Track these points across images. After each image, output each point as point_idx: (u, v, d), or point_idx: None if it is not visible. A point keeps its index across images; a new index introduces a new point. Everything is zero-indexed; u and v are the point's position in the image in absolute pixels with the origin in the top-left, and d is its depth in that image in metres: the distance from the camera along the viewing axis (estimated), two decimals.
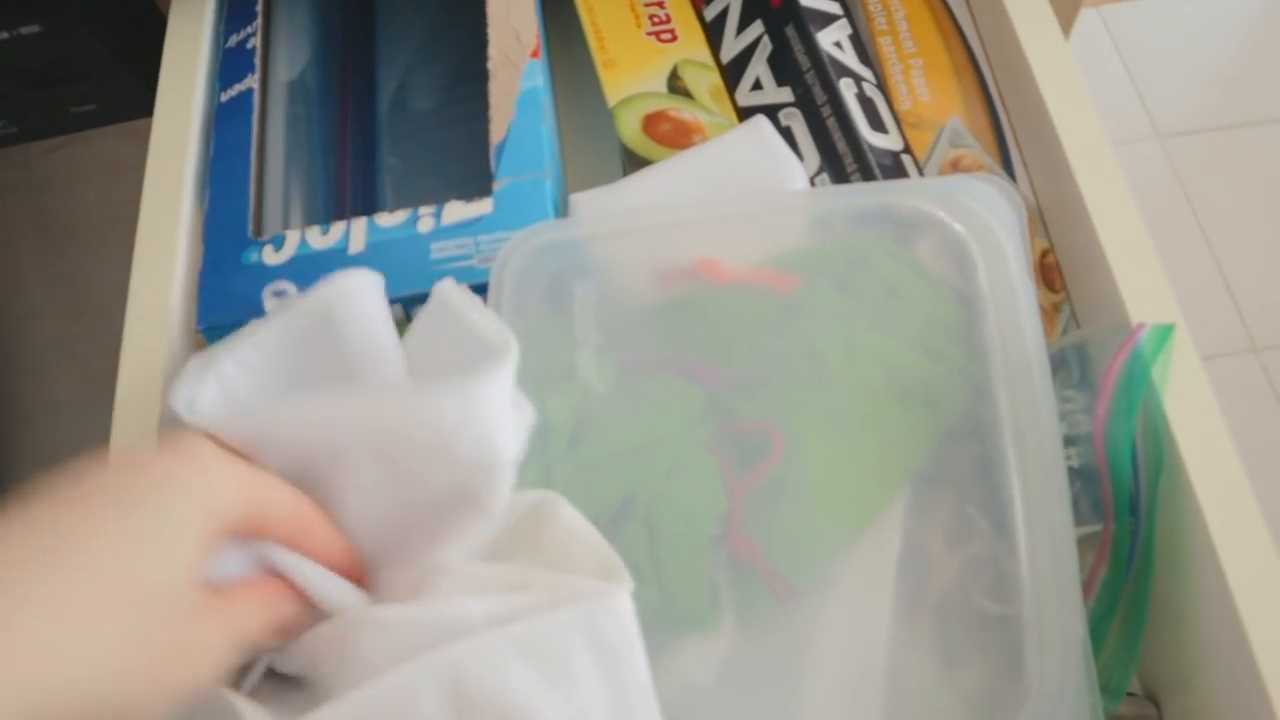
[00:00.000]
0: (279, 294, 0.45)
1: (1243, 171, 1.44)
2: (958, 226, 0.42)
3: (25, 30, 0.56)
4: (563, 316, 0.43)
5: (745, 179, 0.47)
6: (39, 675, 0.28)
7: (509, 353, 0.37)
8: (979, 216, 0.42)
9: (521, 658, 0.34)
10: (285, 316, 0.40)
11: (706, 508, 0.41)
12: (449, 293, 0.40)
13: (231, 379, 0.39)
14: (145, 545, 0.31)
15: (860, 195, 0.44)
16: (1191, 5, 1.57)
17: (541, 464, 0.41)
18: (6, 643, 0.27)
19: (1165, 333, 0.41)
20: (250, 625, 0.34)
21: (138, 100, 0.58)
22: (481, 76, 0.50)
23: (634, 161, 0.51)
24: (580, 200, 0.48)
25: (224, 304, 0.46)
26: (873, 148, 0.47)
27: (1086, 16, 1.57)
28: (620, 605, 0.35)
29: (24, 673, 0.27)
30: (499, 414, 0.36)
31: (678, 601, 0.41)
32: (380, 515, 0.37)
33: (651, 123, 0.52)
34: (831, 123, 0.48)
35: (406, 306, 0.45)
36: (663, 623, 0.41)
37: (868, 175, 0.46)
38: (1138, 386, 0.41)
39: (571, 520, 0.37)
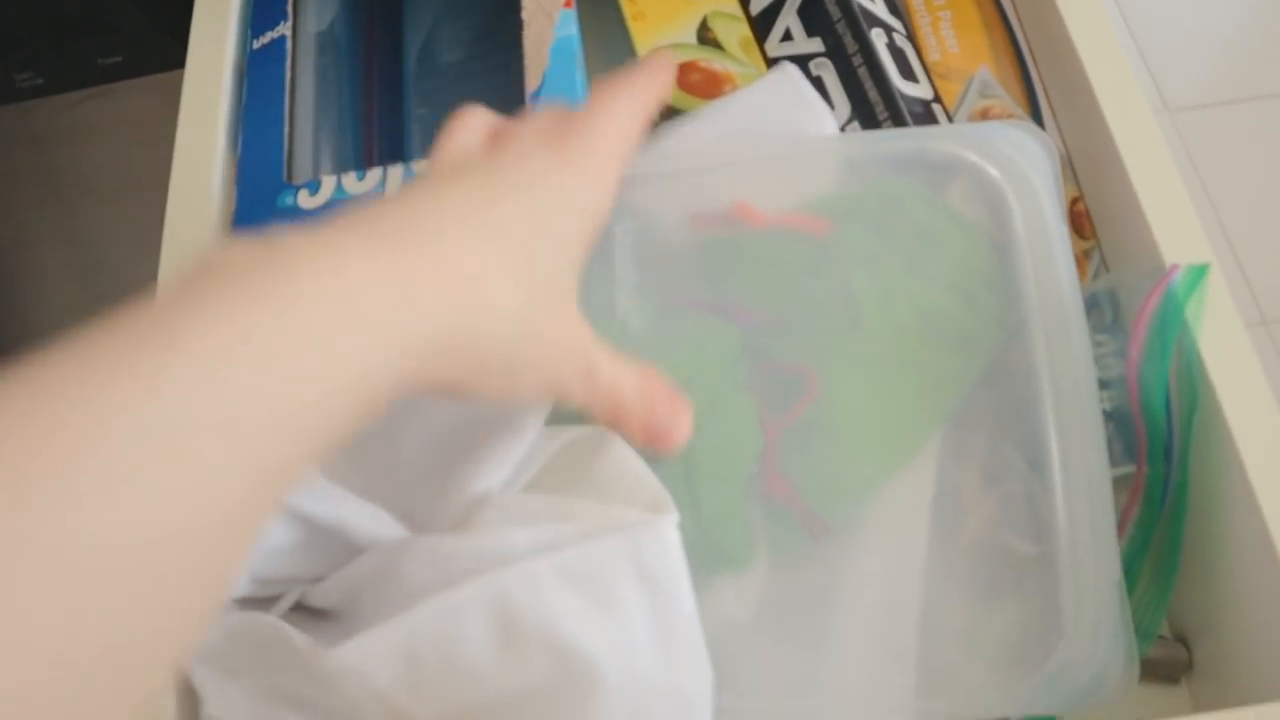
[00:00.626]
0: None
1: (1252, 145, 1.44)
2: (992, 171, 0.42)
3: None
4: (602, 255, 0.43)
5: (776, 126, 0.47)
6: (462, 308, 0.29)
7: None
8: (1013, 161, 0.42)
9: (567, 584, 0.34)
10: None
11: (743, 446, 0.41)
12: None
13: None
14: (553, 220, 0.33)
15: (894, 140, 0.44)
16: None
17: None
18: (442, 268, 0.29)
19: (1199, 273, 0.41)
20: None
21: (165, 53, 0.58)
22: (506, 30, 0.50)
23: (664, 111, 0.51)
24: None
25: None
26: (904, 96, 0.47)
27: None
28: (666, 534, 0.35)
29: (453, 298, 0.29)
30: None
31: (714, 538, 0.41)
32: (436, 438, 0.38)
33: (682, 73, 0.52)
34: (863, 72, 0.48)
35: None
36: (699, 559, 0.41)
37: (899, 123, 0.46)
38: (1171, 327, 0.41)
39: (621, 454, 0.37)
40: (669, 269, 0.43)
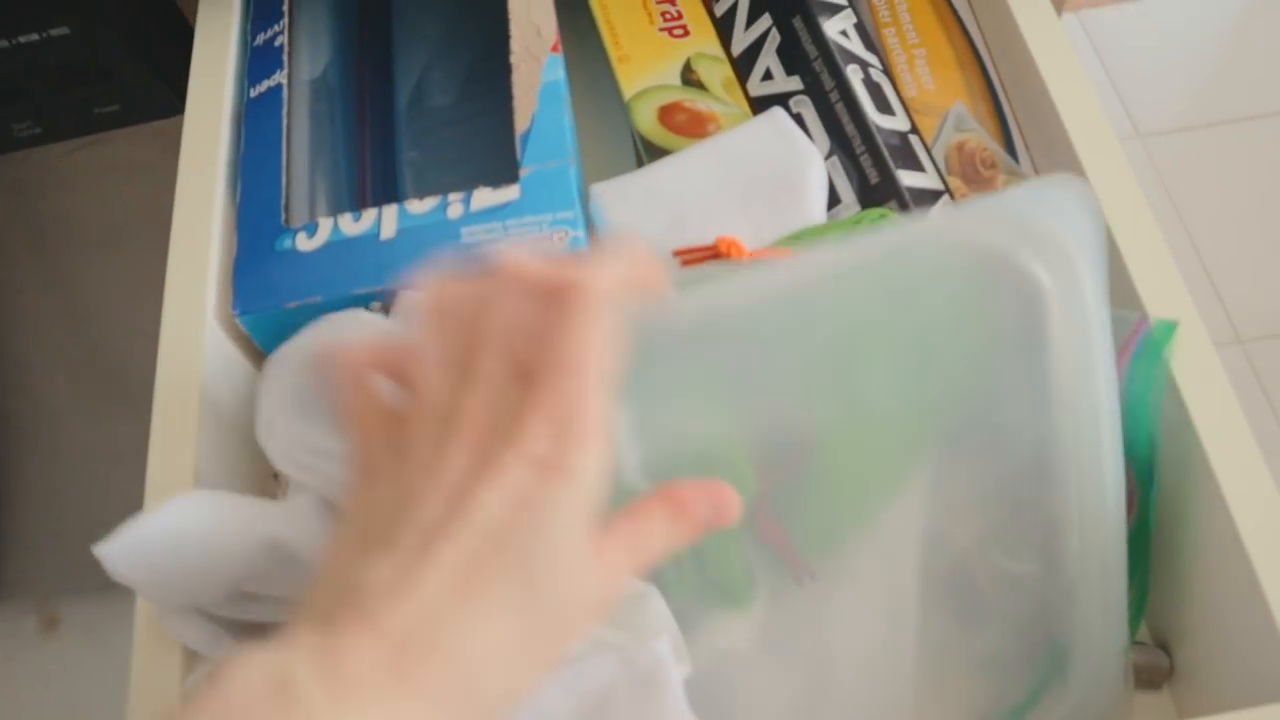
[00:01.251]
0: None
1: (1223, 167, 1.47)
2: (1034, 267, 0.39)
3: (54, 32, 0.57)
4: None
5: (763, 169, 0.49)
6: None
7: None
8: (1056, 245, 0.39)
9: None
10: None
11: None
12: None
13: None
14: (549, 561, 0.28)
15: (930, 234, 0.41)
16: (1167, 8, 1.60)
17: None
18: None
19: (1167, 330, 0.42)
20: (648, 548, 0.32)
21: (161, 102, 0.60)
22: (495, 74, 0.52)
23: (651, 151, 0.53)
24: (600, 190, 0.50)
25: (260, 290, 0.47)
26: (880, 129, 0.49)
27: (1065, 21, 1.59)
28: (660, 650, 0.36)
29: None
30: None
31: (716, 580, 0.42)
32: None
33: (667, 113, 0.54)
34: (840, 107, 0.50)
35: None
36: (702, 599, 0.42)
37: (877, 156, 0.48)
38: (1148, 375, 0.42)
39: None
40: (672, 384, 0.42)
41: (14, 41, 0.59)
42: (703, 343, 0.41)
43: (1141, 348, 0.41)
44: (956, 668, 0.43)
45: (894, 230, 0.45)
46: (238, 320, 0.47)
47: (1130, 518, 0.44)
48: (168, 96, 0.59)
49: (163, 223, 0.54)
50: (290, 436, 0.41)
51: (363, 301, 0.47)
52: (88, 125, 0.63)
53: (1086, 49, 1.59)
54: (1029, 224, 0.39)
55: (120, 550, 0.38)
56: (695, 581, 0.42)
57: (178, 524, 0.38)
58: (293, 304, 0.47)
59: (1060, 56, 0.50)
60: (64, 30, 0.57)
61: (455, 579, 0.27)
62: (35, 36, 0.58)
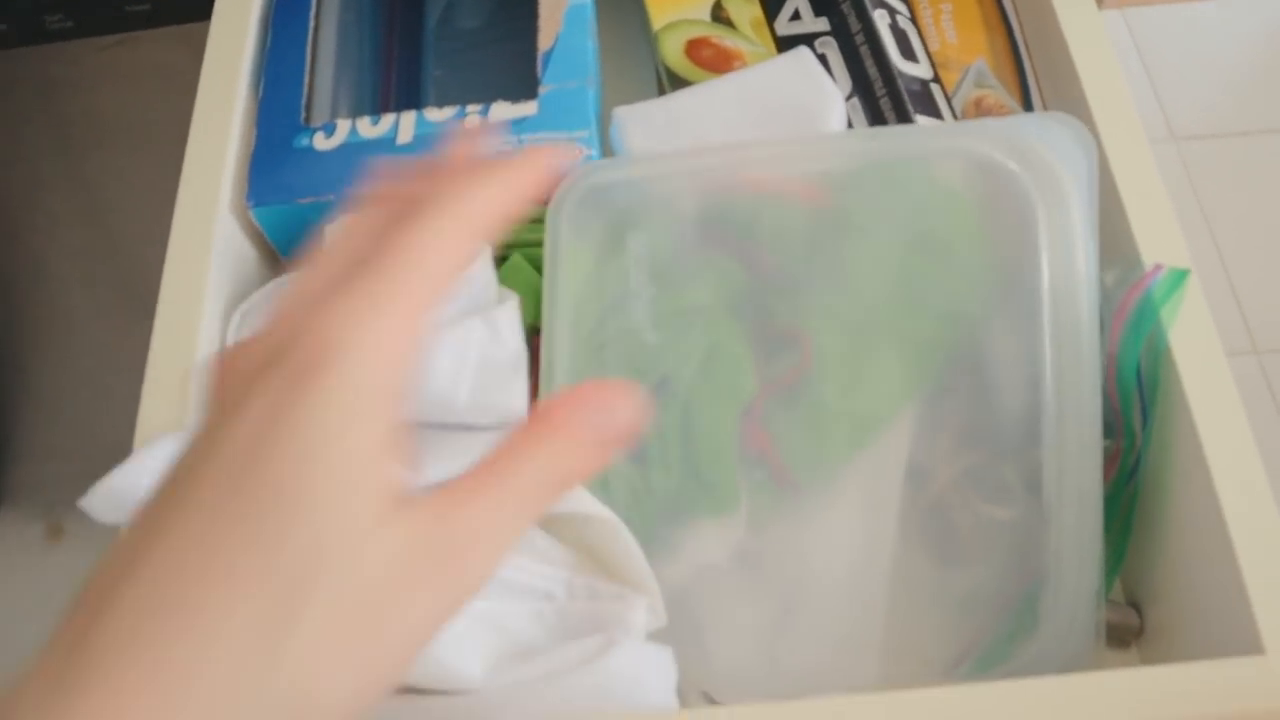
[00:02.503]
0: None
1: (1255, 177, 1.46)
2: (1016, 168, 0.42)
3: None
4: (618, 268, 0.45)
5: (786, 104, 0.49)
6: None
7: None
8: (1042, 159, 0.42)
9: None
10: None
11: (736, 393, 0.43)
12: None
13: None
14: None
15: (926, 137, 0.44)
16: (1213, 10, 1.58)
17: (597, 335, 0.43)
18: None
19: (1179, 277, 0.43)
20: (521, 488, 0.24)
21: (191, 3, 0.60)
22: (525, 1, 0.52)
23: (675, 83, 0.53)
24: (623, 113, 0.50)
25: (274, 184, 0.48)
26: (903, 74, 0.49)
27: (1109, 17, 1.58)
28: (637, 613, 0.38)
29: None
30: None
31: (705, 479, 0.43)
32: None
33: (694, 47, 0.54)
34: (865, 50, 0.50)
35: None
36: (688, 502, 0.43)
37: (896, 100, 0.48)
38: (1146, 321, 0.43)
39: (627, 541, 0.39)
40: (681, 264, 0.45)
41: None
42: (721, 227, 0.42)
43: (1145, 297, 0.41)
44: (929, 606, 0.43)
45: (899, 134, 0.46)
46: (251, 213, 0.48)
47: (1113, 471, 0.44)
48: None
49: (187, 128, 0.54)
50: None
51: None
52: (119, 23, 0.63)
53: (1129, 46, 1.57)
54: (1021, 142, 0.41)
55: (103, 498, 0.38)
56: (684, 482, 0.42)
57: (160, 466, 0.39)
58: (306, 200, 0.47)
59: (1086, 22, 0.49)
60: None
61: (189, 546, 0.21)
62: None
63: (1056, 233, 0.42)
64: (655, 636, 0.40)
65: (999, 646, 0.43)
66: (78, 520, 1.38)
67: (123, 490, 0.38)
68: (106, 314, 0.91)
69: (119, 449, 0.42)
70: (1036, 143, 0.42)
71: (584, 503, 0.40)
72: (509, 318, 0.42)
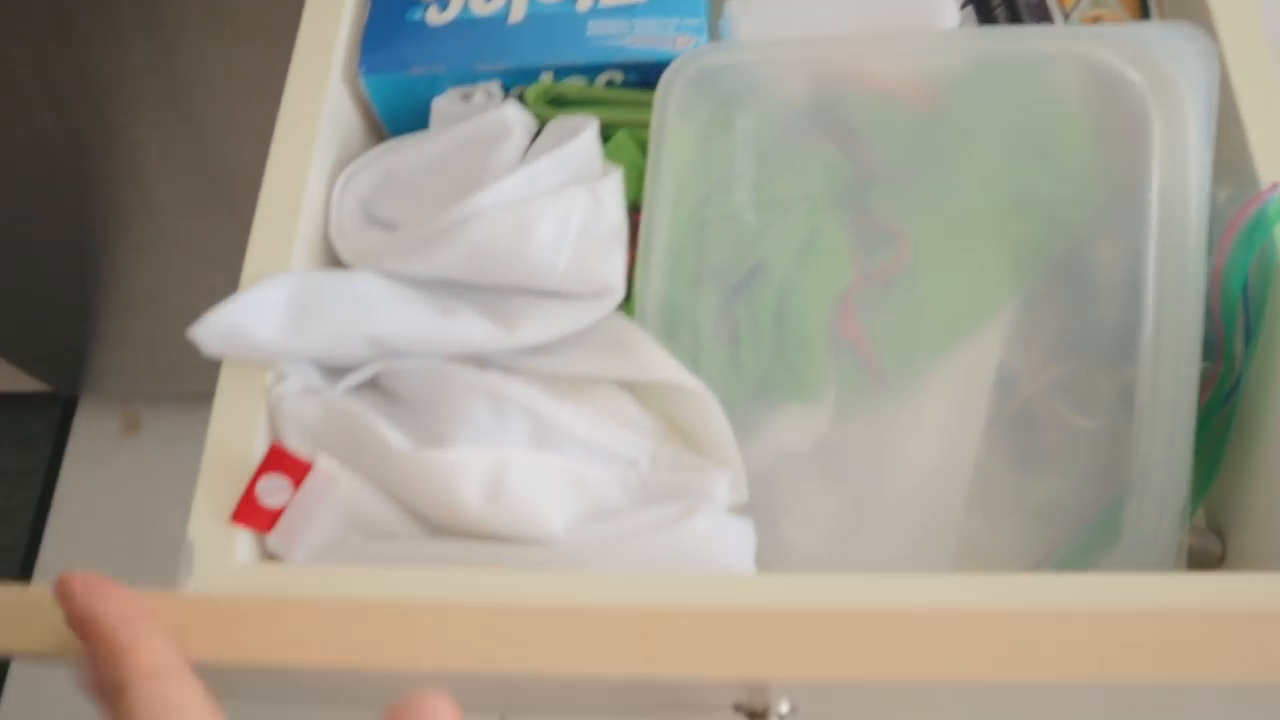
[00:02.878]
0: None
1: None
2: (1137, 80, 0.41)
3: None
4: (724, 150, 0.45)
5: (900, 5, 0.49)
6: None
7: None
8: (1161, 68, 0.41)
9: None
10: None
11: (832, 281, 0.43)
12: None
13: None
14: None
15: (1042, 39, 0.43)
16: None
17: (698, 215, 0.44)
18: None
19: None
20: None
21: None
22: None
23: None
24: (736, 5, 0.50)
25: (387, 54, 0.48)
26: None
27: None
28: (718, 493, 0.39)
29: None
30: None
31: (793, 364, 0.43)
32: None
33: None
34: None
35: (558, 75, 0.47)
36: (776, 386, 0.43)
37: (1012, 8, 0.47)
38: (1259, 238, 0.42)
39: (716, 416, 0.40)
40: (786, 151, 0.45)
41: None
42: (828, 117, 0.42)
43: (1258, 214, 0.40)
44: (1007, 513, 0.43)
45: (1014, 34, 0.46)
46: (362, 81, 0.49)
47: (1208, 393, 0.43)
48: None
49: (275, 13, 0.54)
50: (357, 238, 0.45)
51: (484, 78, 0.48)
52: None
53: None
54: (1143, 50, 0.41)
55: (212, 329, 0.40)
56: (773, 365, 0.42)
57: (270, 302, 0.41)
58: (417, 70, 0.48)
59: None
60: None
61: None
62: None
63: (1171, 144, 0.41)
64: (733, 513, 0.40)
65: (1075, 557, 0.43)
66: (155, 415, 1.40)
67: (231, 323, 0.39)
68: (195, 205, 0.93)
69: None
70: (1155, 50, 0.41)
71: (674, 372, 0.40)
72: (613, 189, 0.43)
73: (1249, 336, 0.42)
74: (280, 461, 0.38)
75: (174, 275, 1.03)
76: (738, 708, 0.39)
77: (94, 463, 1.29)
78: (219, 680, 0.33)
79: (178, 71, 0.81)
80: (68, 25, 0.77)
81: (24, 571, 1.23)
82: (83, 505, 1.26)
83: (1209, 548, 0.44)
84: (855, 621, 0.30)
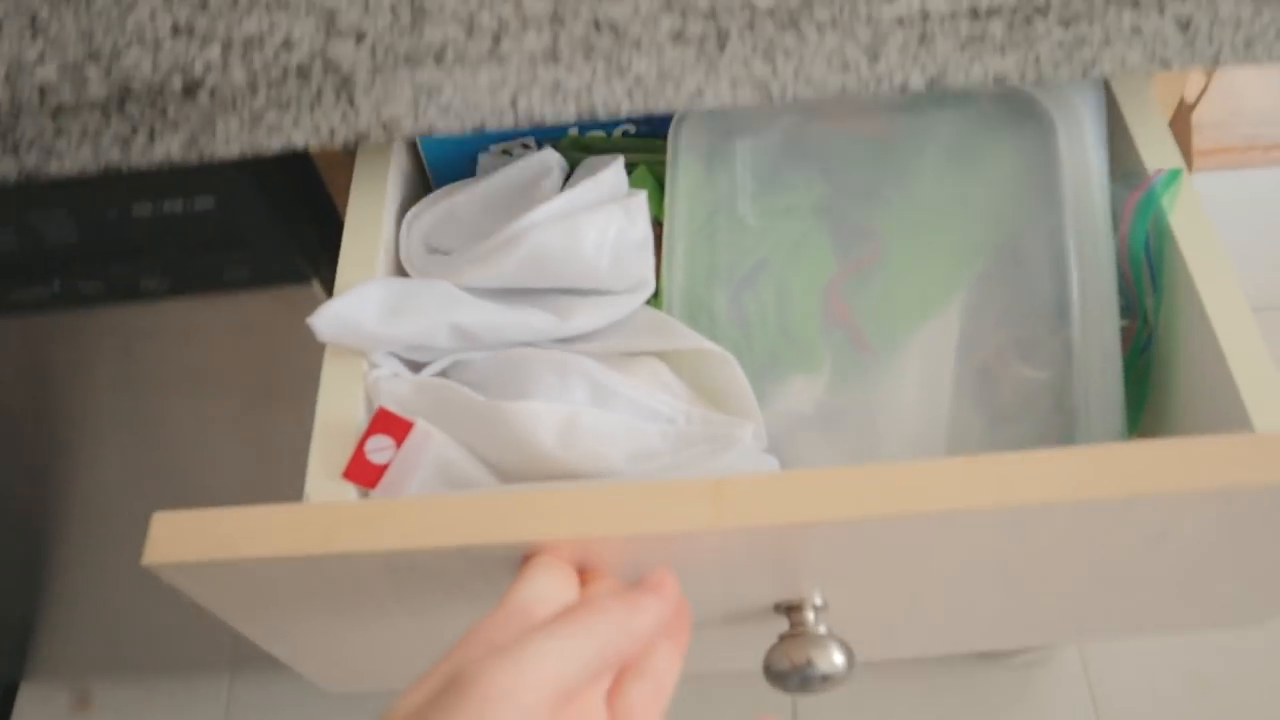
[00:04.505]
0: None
1: None
2: (1043, 99, 0.54)
3: (199, 203, 0.59)
4: (726, 167, 0.56)
5: None
6: None
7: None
8: (1062, 92, 0.54)
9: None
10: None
11: (819, 272, 0.53)
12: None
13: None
14: None
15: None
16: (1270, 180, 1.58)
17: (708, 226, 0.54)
18: None
19: (1175, 174, 0.53)
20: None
21: (292, 269, 0.64)
22: None
23: None
24: None
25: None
26: None
27: None
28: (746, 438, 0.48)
29: None
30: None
31: (795, 340, 0.52)
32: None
33: None
34: None
35: (582, 131, 0.58)
36: (782, 359, 0.52)
37: None
38: (1149, 209, 0.53)
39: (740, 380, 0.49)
40: (774, 176, 0.56)
41: (159, 209, 0.60)
42: (804, 150, 0.53)
43: (1149, 190, 0.51)
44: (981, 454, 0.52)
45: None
46: (419, 140, 0.58)
47: (1128, 345, 0.53)
48: (300, 264, 0.63)
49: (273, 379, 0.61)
50: (425, 264, 0.54)
51: (520, 136, 0.58)
52: (216, 285, 0.65)
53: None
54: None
55: (327, 320, 0.48)
56: (778, 342, 0.52)
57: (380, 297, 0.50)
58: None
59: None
60: (209, 202, 0.59)
61: None
62: (179, 206, 0.60)
63: (1074, 148, 0.53)
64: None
65: None
66: (105, 691, 1.22)
67: (341, 315, 0.48)
68: (143, 483, 0.85)
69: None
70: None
71: (701, 340, 0.49)
72: (640, 206, 0.52)
73: (1156, 287, 0.53)
74: (386, 422, 0.46)
75: (126, 551, 0.83)
76: (777, 607, 0.46)
77: None
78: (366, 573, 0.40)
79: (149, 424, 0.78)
80: None
81: None
82: None
83: None
84: (876, 476, 0.39)
